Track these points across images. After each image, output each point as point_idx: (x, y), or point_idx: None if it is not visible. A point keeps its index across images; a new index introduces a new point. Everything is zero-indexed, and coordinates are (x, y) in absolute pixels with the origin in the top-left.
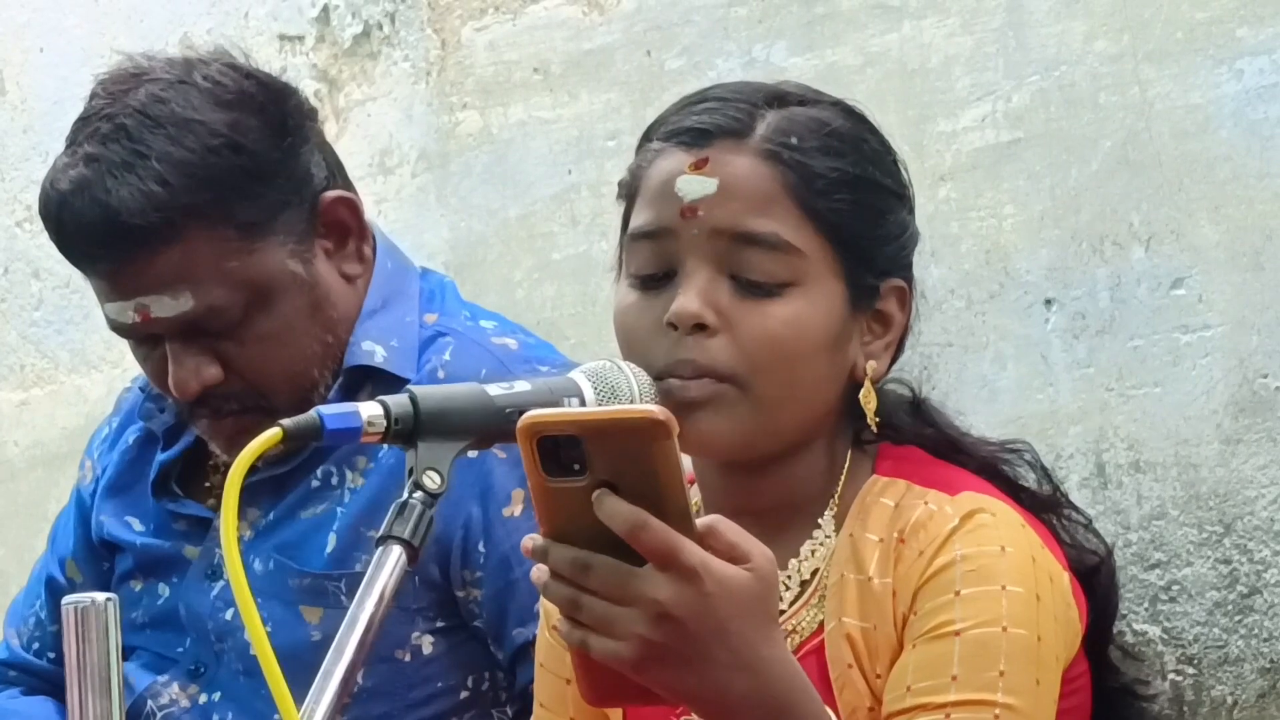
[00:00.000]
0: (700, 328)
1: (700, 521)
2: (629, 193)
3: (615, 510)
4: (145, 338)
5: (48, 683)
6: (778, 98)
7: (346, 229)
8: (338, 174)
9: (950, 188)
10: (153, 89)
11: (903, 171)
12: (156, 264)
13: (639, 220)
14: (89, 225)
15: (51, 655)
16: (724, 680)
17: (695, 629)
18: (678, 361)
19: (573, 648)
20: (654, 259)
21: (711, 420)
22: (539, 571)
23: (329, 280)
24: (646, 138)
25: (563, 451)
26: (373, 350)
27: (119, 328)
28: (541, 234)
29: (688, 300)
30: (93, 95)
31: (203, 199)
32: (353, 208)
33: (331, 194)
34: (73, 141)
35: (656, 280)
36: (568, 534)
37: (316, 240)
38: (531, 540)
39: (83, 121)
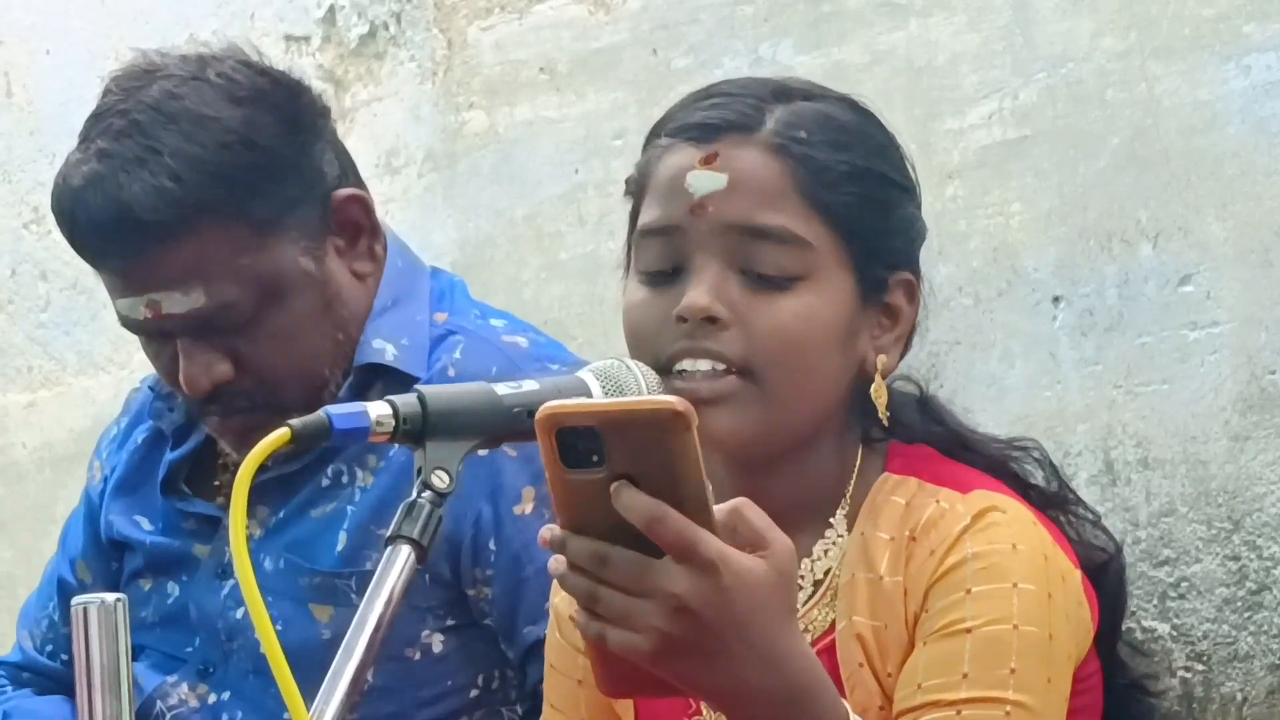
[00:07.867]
0: (711, 321)
1: (727, 504)
2: (637, 189)
3: (633, 502)
4: (156, 334)
5: (61, 685)
6: (784, 92)
7: (359, 227)
8: (350, 172)
9: (957, 185)
10: (166, 85)
11: (909, 166)
12: (169, 260)
13: (648, 216)
14: (101, 221)
15: (64, 657)
16: (741, 673)
17: (713, 622)
18: (689, 347)
19: (589, 639)
20: (663, 255)
21: (724, 417)
22: (556, 563)
23: (340, 278)
24: (654, 134)
25: (581, 443)
26: (383, 348)
27: (130, 324)
28: (549, 233)
29: (698, 294)
30: (106, 91)
31: (216, 195)
32: (365, 206)
33: (344, 192)
34: (86, 137)
35: (666, 276)
36: (586, 525)
37: (329, 238)
38: (549, 531)
39: (96, 117)
